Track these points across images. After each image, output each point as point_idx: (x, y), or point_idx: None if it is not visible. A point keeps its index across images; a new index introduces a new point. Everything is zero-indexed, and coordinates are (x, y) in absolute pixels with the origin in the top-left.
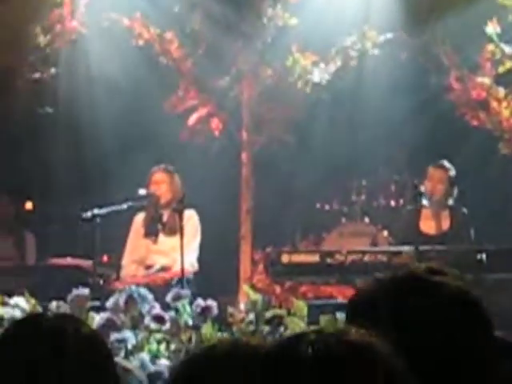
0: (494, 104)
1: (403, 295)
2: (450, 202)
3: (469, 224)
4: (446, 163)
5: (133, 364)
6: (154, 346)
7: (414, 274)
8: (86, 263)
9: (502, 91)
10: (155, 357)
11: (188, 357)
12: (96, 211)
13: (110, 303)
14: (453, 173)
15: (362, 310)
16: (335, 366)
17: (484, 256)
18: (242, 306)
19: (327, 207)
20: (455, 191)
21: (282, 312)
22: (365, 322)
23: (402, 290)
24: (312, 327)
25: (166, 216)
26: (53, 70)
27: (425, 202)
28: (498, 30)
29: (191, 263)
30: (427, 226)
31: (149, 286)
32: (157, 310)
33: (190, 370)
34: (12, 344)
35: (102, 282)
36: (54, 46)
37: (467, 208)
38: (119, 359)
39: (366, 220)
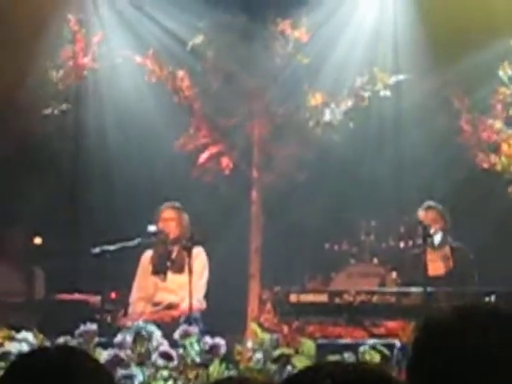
0: (505, 147)
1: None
2: (449, 238)
3: (474, 266)
4: (432, 202)
5: None
6: (160, 383)
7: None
8: (94, 299)
9: None
10: None
11: None
12: (105, 247)
13: (117, 339)
14: (441, 208)
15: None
16: None
17: (493, 298)
18: (249, 345)
19: (336, 247)
20: (449, 226)
21: (290, 351)
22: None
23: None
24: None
25: (174, 253)
26: (64, 106)
27: (436, 242)
28: (510, 73)
29: (199, 301)
30: (433, 267)
31: (156, 323)
32: (164, 346)
33: None
34: (18, 378)
35: (109, 318)
36: (65, 82)
37: (475, 249)
38: None
39: (375, 261)
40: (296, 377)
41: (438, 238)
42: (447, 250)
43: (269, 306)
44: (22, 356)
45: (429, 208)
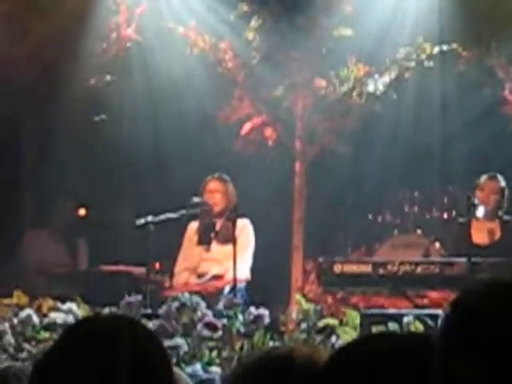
0: None
1: None
2: (500, 213)
3: None
4: (498, 174)
5: (185, 371)
6: (205, 354)
7: None
8: (139, 270)
9: None
10: (207, 364)
11: (245, 362)
12: (150, 218)
13: (162, 310)
14: (504, 184)
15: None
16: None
17: None
18: (293, 315)
19: (380, 219)
20: (505, 203)
21: (334, 322)
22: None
23: None
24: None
25: (219, 224)
26: (108, 78)
27: (479, 213)
28: None
29: (244, 272)
30: (479, 237)
31: (201, 294)
32: (209, 317)
33: (248, 376)
34: (69, 347)
35: (154, 288)
36: (109, 54)
37: None
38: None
39: (419, 232)
40: (347, 349)
41: (481, 210)
42: (495, 220)
43: (312, 276)
44: (73, 324)
45: (492, 178)
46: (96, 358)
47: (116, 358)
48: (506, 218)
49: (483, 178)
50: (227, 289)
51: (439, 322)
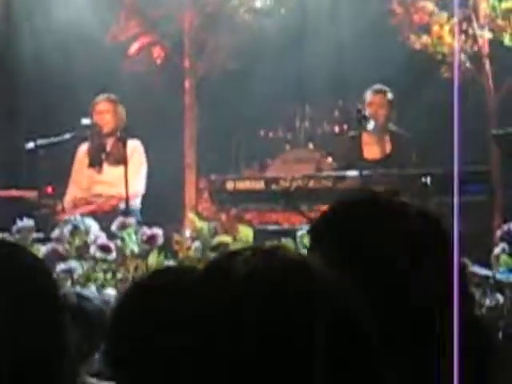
0: (436, 28)
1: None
2: (391, 125)
3: (411, 148)
4: (384, 87)
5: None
6: (100, 276)
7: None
8: (30, 194)
9: (444, 15)
10: (102, 286)
11: (133, 284)
12: (39, 142)
13: (54, 234)
14: (391, 96)
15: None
16: (270, 282)
17: (428, 179)
18: (187, 234)
19: (271, 134)
20: (394, 114)
21: (228, 239)
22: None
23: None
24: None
25: (109, 146)
26: None
27: (370, 127)
28: None
29: (136, 193)
30: (370, 151)
31: (94, 216)
32: (102, 239)
33: (135, 297)
34: None
35: (46, 213)
36: None
37: (409, 132)
38: (77, 288)
39: (310, 146)
40: (214, 262)
41: (372, 123)
42: (386, 133)
43: (206, 194)
44: None
45: (378, 91)
46: None
47: (2, 287)
48: (395, 129)
49: (369, 92)
50: (120, 210)
51: None
